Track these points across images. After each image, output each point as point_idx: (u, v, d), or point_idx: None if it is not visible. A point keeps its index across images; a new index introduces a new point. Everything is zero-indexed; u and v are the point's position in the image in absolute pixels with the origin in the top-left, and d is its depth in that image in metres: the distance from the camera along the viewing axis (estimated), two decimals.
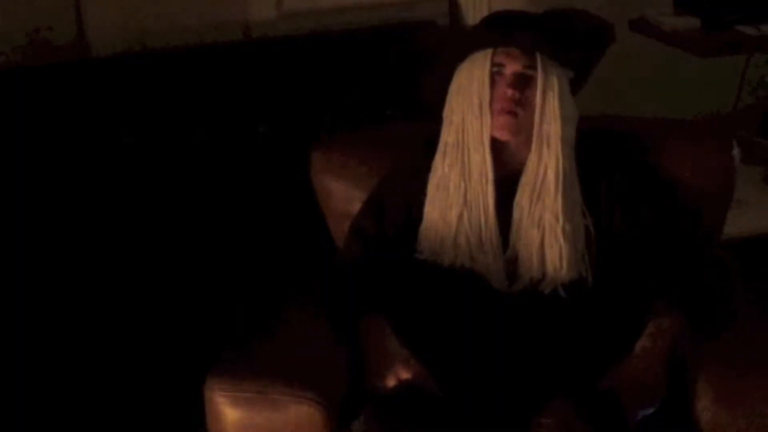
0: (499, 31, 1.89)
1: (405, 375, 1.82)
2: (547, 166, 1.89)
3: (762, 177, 3.46)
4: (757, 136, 3.54)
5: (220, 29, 2.94)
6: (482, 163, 1.91)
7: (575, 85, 1.94)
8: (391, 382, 1.81)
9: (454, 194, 1.92)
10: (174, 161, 2.73)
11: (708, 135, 2.21)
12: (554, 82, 1.87)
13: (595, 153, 1.95)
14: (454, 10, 3.22)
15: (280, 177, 2.71)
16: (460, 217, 1.92)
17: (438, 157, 1.95)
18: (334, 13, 3.08)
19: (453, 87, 1.94)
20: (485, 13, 3.01)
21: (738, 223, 2.50)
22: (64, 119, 2.67)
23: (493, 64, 1.88)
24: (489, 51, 1.88)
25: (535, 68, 1.87)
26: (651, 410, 1.75)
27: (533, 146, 1.90)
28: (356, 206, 2.09)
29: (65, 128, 2.67)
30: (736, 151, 2.13)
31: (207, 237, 2.72)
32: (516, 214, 1.91)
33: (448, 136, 1.94)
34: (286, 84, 2.84)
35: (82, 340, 2.57)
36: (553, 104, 1.88)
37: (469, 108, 1.90)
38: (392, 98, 2.85)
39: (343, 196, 2.17)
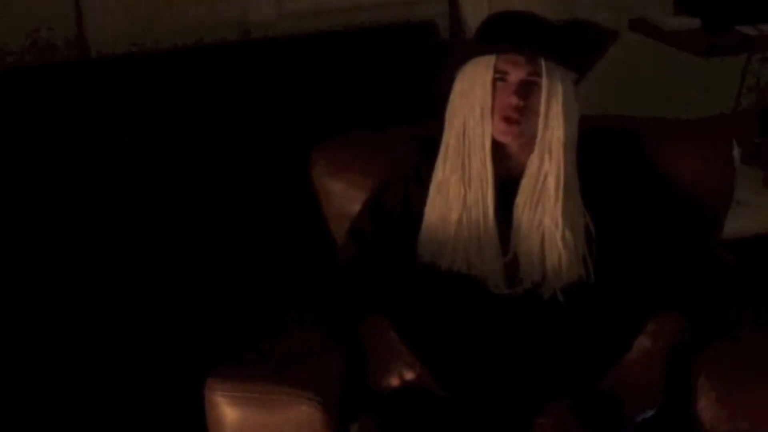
0: (502, 38, 1.86)
1: (409, 375, 1.81)
2: (547, 172, 1.88)
3: (762, 177, 3.45)
4: (757, 136, 3.53)
5: (220, 29, 2.94)
6: (482, 169, 1.90)
7: (576, 81, 1.94)
8: (394, 383, 1.81)
9: (454, 198, 1.92)
10: (174, 161, 2.74)
11: (708, 135, 2.21)
12: (558, 87, 1.86)
13: (595, 152, 1.95)
14: (454, 10, 3.22)
15: (280, 177, 2.71)
16: (459, 221, 1.91)
17: (439, 159, 1.95)
18: (334, 13, 3.08)
19: (455, 90, 1.92)
20: (485, 12, 3.01)
21: (738, 223, 2.49)
22: (64, 119, 2.67)
23: (496, 71, 1.86)
24: (492, 58, 1.86)
25: (539, 75, 1.85)
26: (651, 412, 1.75)
27: (535, 152, 1.89)
28: (356, 207, 2.09)
29: (65, 128, 2.67)
30: (736, 151, 2.13)
31: (207, 237, 2.72)
32: (516, 217, 1.91)
33: (449, 138, 1.93)
34: (286, 84, 2.84)
35: (82, 341, 2.57)
36: (557, 110, 1.86)
37: (471, 113, 1.88)
38: (392, 98, 2.85)
39: (343, 196, 2.17)
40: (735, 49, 3.30)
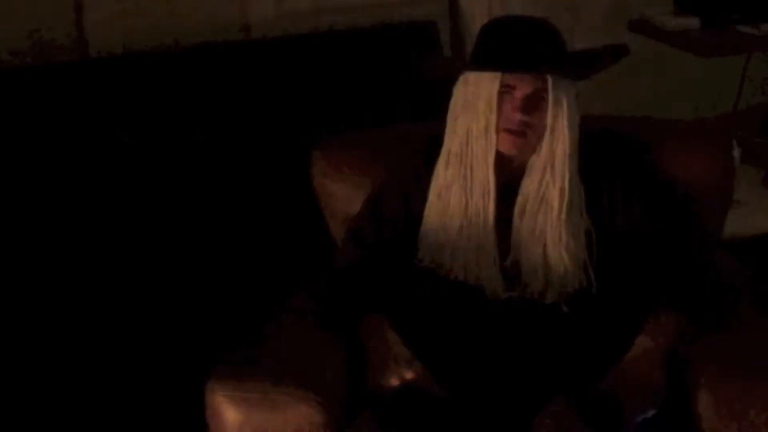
0: (511, 60, 1.82)
1: (408, 375, 1.81)
2: (549, 183, 1.87)
3: (762, 178, 3.46)
4: (757, 136, 3.54)
5: (220, 29, 2.94)
6: (485, 181, 1.88)
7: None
8: (394, 382, 1.81)
9: (455, 207, 1.91)
10: (174, 162, 2.73)
11: (708, 135, 2.21)
12: (563, 100, 1.84)
13: (595, 153, 1.95)
14: (454, 10, 3.22)
15: (281, 178, 2.71)
16: (460, 230, 1.91)
17: (441, 164, 1.94)
18: (334, 13, 3.08)
19: (458, 97, 1.90)
20: (485, 13, 3.01)
21: (738, 223, 2.50)
22: (64, 119, 2.67)
23: (502, 84, 1.83)
24: (498, 74, 1.82)
25: (545, 89, 1.83)
26: (651, 413, 1.75)
27: (539, 160, 1.87)
28: (356, 207, 2.09)
29: (65, 129, 2.67)
30: (736, 151, 2.13)
31: (207, 238, 2.72)
32: (515, 223, 1.90)
33: (451, 145, 1.91)
34: (286, 84, 2.84)
35: (82, 341, 2.57)
36: (563, 123, 1.85)
37: (475, 125, 1.86)
38: (392, 98, 2.85)
39: (343, 197, 2.17)
40: (735, 49, 3.30)
